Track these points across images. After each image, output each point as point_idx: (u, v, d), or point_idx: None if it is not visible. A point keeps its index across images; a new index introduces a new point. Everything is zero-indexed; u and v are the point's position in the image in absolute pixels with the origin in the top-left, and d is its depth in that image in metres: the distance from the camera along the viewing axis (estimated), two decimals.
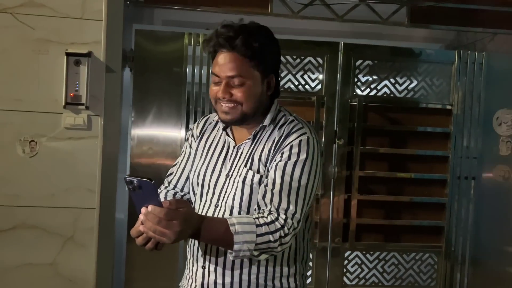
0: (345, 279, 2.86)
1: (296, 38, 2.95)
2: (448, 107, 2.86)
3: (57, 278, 2.44)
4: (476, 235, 2.88)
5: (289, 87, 2.77)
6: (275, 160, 1.10)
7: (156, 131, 2.65)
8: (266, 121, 1.16)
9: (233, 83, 1.10)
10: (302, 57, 2.77)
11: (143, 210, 0.94)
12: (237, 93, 1.10)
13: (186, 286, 1.21)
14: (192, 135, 1.28)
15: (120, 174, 2.54)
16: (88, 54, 2.35)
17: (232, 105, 1.11)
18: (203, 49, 1.18)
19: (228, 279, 1.12)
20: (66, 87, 2.35)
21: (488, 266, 2.91)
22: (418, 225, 2.88)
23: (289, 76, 2.76)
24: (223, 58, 1.10)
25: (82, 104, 2.38)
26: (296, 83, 2.77)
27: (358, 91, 2.82)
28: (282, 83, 2.76)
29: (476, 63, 2.84)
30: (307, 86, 2.78)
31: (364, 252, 2.88)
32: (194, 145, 1.26)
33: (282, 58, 2.72)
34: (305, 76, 2.78)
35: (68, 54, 2.34)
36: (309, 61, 2.77)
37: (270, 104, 1.20)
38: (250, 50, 1.08)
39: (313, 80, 2.79)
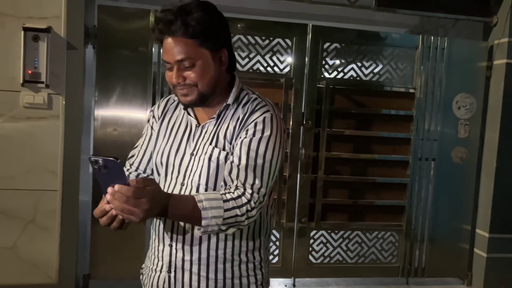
0: (310, 257, 2.94)
1: (265, 19, 2.94)
2: (412, 90, 2.95)
3: (18, 262, 2.37)
4: (434, 214, 3.02)
5: (257, 68, 2.76)
6: (240, 137, 1.11)
7: (121, 111, 2.58)
8: (230, 100, 1.16)
9: (183, 66, 1.08)
10: (271, 38, 2.76)
11: (109, 189, 0.92)
12: (190, 75, 1.09)
13: (151, 266, 1.20)
14: (153, 116, 1.27)
15: (83, 155, 2.47)
16: (48, 30, 2.25)
17: (188, 88, 1.10)
18: (152, 39, 1.15)
19: (196, 255, 1.13)
20: (24, 64, 2.24)
21: (445, 243, 3.06)
22: (380, 204, 2.99)
23: (258, 57, 2.75)
24: (168, 44, 1.08)
25: (42, 82, 2.28)
26: (265, 64, 2.77)
27: (326, 74, 2.85)
28: (250, 64, 2.75)
29: (439, 48, 2.93)
30: (275, 68, 2.78)
31: (329, 231, 2.96)
32: (155, 126, 1.24)
33: (250, 39, 2.75)
34: (274, 58, 2.78)
35: (25, 29, 2.23)
36: (278, 43, 2.77)
37: (231, 81, 1.20)
38: (192, 30, 1.06)
39: (281, 62, 2.79)
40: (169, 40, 1.08)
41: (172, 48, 1.08)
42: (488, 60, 2.97)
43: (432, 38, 2.93)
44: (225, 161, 1.12)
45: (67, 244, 2.42)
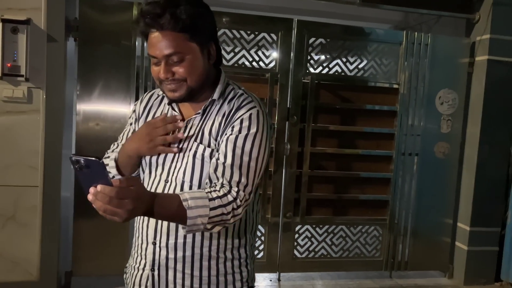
0: (295, 252, 2.95)
1: (250, 13, 2.92)
2: (395, 86, 2.97)
3: None
4: (417, 208, 3.06)
5: (243, 63, 2.75)
6: (226, 134, 1.09)
7: (103, 106, 2.54)
8: (216, 95, 1.14)
9: (172, 61, 1.05)
10: (256, 33, 2.74)
11: (91, 190, 0.90)
12: (179, 70, 1.06)
13: (134, 264, 1.17)
14: (134, 111, 1.24)
15: (65, 151, 2.43)
16: (27, 21, 2.19)
17: (176, 83, 1.08)
18: (135, 31, 1.10)
19: (180, 253, 1.12)
20: (2, 57, 2.18)
21: (427, 236, 3.11)
22: (365, 199, 3.02)
23: (243, 51, 2.73)
24: (155, 38, 1.04)
25: (22, 76, 2.23)
26: (250, 59, 2.75)
27: (311, 69, 2.85)
28: (235, 58, 2.73)
29: (422, 44, 2.95)
30: (261, 63, 2.77)
31: (314, 226, 2.97)
32: (136, 123, 1.22)
33: (236, 33, 2.73)
34: (259, 52, 2.76)
35: (3, 21, 2.16)
36: (263, 37, 2.75)
37: (216, 76, 1.18)
38: (181, 23, 1.03)
39: (267, 57, 2.78)
40: (156, 34, 1.05)
41: (159, 42, 1.04)
42: (470, 56, 3.01)
43: (416, 34, 2.95)
44: (210, 158, 1.10)
45: (48, 241, 2.38)
